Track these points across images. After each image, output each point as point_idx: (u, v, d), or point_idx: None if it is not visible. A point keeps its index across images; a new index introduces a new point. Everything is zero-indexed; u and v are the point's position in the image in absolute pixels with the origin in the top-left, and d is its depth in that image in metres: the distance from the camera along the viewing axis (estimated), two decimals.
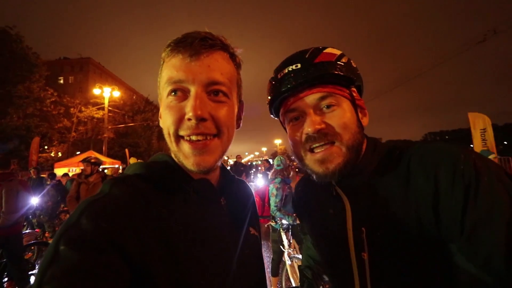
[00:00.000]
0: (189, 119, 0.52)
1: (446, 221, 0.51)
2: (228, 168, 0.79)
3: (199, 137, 0.54)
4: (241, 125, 0.70)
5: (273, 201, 3.25)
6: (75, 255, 0.37)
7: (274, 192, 3.26)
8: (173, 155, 0.60)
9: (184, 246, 0.49)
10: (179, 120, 0.54)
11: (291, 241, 3.21)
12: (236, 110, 0.64)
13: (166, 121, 0.56)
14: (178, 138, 0.55)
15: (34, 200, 5.41)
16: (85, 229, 0.40)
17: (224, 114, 0.57)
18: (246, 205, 0.73)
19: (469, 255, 0.49)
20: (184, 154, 0.56)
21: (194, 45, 0.53)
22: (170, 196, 0.54)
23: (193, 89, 0.53)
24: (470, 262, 0.48)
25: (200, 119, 0.52)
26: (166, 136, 0.58)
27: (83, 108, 23.58)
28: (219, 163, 0.62)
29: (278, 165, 3.51)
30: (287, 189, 3.31)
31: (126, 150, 14.05)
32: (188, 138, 0.54)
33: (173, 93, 0.55)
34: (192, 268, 0.49)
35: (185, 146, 0.55)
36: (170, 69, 0.54)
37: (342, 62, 0.65)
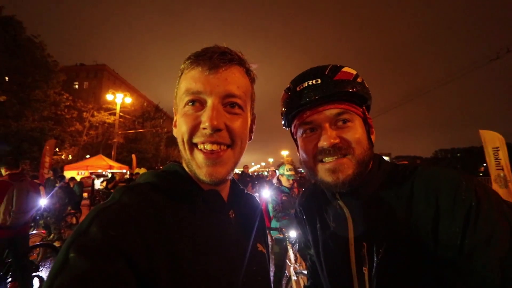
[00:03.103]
0: (204, 128, 0.53)
1: (445, 244, 0.52)
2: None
3: (214, 147, 0.55)
4: (252, 137, 0.71)
5: (271, 208, 3.59)
6: (84, 263, 0.37)
7: (269, 199, 3.67)
8: (185, 164, 0.61)
9: (191, 257, 0.49)
10: (194, 128, 0.55)
11: (297, 256, 3.13)
12: (249, 122, 0.65)
13: (181, 128, 0.57)
14: (192, 146, 0.56)
15: (43, 202, 5.49)
16: (94, 237, 0.40)
17: (239, 125, 0.58)
18: (254, 220, 0.72)
19: (465, 278, 0.51)
20: (197, 164, 0.56)
21: (213, 59, 0.55)
22: (180, 206, 0.54)
23: (210, 101, 0.55)
24: (466, 284, 0.51)
25: (215, 130, 0.53)
26: (180, 144, 0.58)
27: (95, 113, 24.24)
28: (231, 176, 0.62)
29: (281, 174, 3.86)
30: (282, 196, 3.57)
31: (133, 156, 14.24)
32: (202, 147, 0.55)
33: (190, 103, 0.56)
34: (197, 280, 0.48)
35: (199, 156, 0.55)
36: (189, 80, 0.56)
37: (358, 81, 0.68)
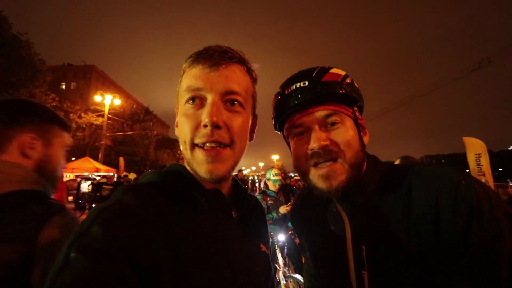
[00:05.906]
0: (205, 126, 0.54)
1: (447, 246, 0.51)
2: None
3: (213, 144, 0.55)
4: (254, 137, 0.71)
5: None
6: (86, 262, 0.37)
7: None
8: (186, 164, 0.61)
9: (194, 257, 0.49)
10: (195, 128, 0.56)
11: (286, 260, 3.12)
12: (250, 122, 0.65)
13: (183, 129, 0.57)
14: (193, 146, 0.57)
15: None
16: (95, 237, 0.40)
17: (239, 124, 0.58)
18: (257, 220, 0.72)
19: (470, 278, 0.50)
20: (198, 161, 0.56)
21: (214, 57, 0.56)
22: (182, 205, 0.55)
23: (210, 97, 0.55)
24: (470, 285, 0.50)
25: (215, 126, 0.53)
26: (181, 144, 0.59)
27: (82, 114, 23.59)
28: (231, 174, 0.63)
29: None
30: (268, 200, 3.66)
31: (121, 159, 13.90)
32: (202, 146, 0.56)
33: (191, 101, 0.57)
34: (200, 280, 0.48)
35: (199, 153, 0.56)
36: (190, 78, 0.57)
37: (347, 82, 0.67)
